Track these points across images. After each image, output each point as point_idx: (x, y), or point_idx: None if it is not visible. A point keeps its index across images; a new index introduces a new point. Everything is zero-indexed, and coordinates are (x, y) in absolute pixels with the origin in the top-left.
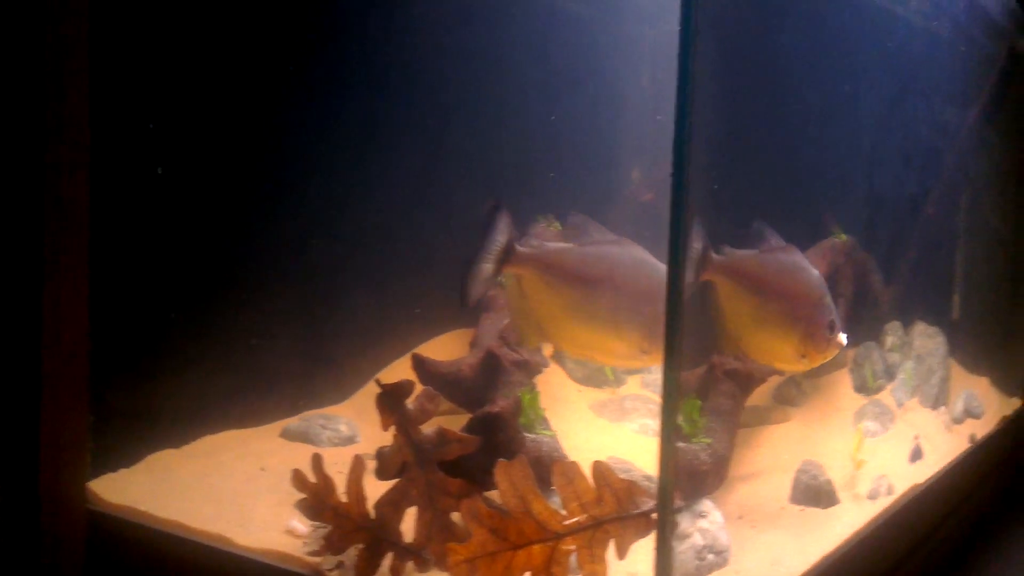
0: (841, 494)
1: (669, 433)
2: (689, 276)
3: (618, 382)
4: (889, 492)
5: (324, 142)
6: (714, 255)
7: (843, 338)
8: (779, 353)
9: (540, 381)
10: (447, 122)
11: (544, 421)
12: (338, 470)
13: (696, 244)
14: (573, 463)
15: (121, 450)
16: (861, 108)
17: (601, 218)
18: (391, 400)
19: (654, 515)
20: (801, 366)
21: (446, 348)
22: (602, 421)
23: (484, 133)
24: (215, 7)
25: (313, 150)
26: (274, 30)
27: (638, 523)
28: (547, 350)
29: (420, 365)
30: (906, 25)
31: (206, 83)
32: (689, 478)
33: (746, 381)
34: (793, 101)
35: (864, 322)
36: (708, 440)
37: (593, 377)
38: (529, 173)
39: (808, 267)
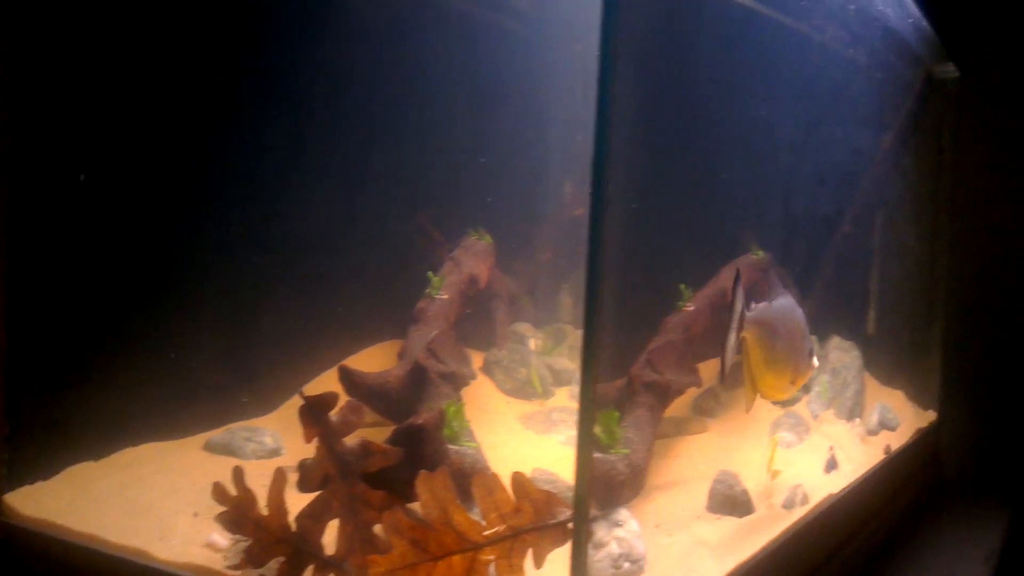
0: (757, 503)
1: (586, 444)
2: (732, 338)
3: (546, 394)
4: (804, 502)
5: (250, 153)
6: (747, 312)
7: (816, 361)
8: (781, 386)
9: (469, 393)
10: (374, 134)
11: (469, 433)
12: (262, 483)
13: (739, 303)
14: (493, 474)
15: (38, 462)
16: (778, 131)
17: (534, 232)
18: (314, 412)
19: (570, 524)
20: (791, 392)
21: (375, 360)
22: (529, 433)
23: (412, 146)
24: (140, 15)
25: (239, 160)
26: (200, 40)
27: (555, 533)
28: (477, 362)
29: (347, 377)
30: (823, 51)
31: (130, 91)
32: (606, 488)
33: (664, 393)
34: (711, 123)
35: None
36: (626, 451)
37: (521, 389)
38: (458, 186)
39: (796, 306)
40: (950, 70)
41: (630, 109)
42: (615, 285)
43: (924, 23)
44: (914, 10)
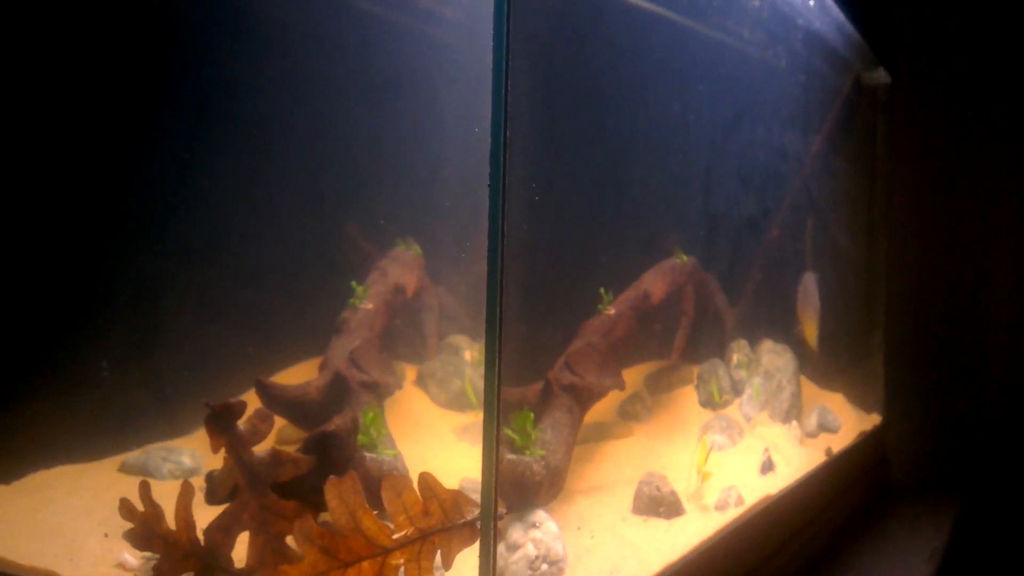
0: (687, 505)
1: (491, 442)
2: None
3: (481, 405)
4: (739, 503)
5: (167, 170)
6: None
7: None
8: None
9: (402, 406)
10: (298, 144)
11: (389, 440)
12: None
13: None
14: (401, 476)
15: None
16: (693, 130)
17: (468, 243)
18: (221, 421)
19: (478, 524)
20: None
21: (302, 377)
22: (463, 444)
23: (337, 155)
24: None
25: (156, 178)
26: (101, 45)
27: (463, 532)
28: (411, 375)
29: (264, 390)
30: (739, 54)
31: (28, 93)
32: (520, 489)
33: (583, 395)
34: (621, 121)
35: (707, 340)
36: (542, 452)
37: (456, 401)
38: (389, 196)
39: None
40: (882, 76)
41: (528, 104)
42: (522, 281)
43: (851, 29)
44: (840, 16)
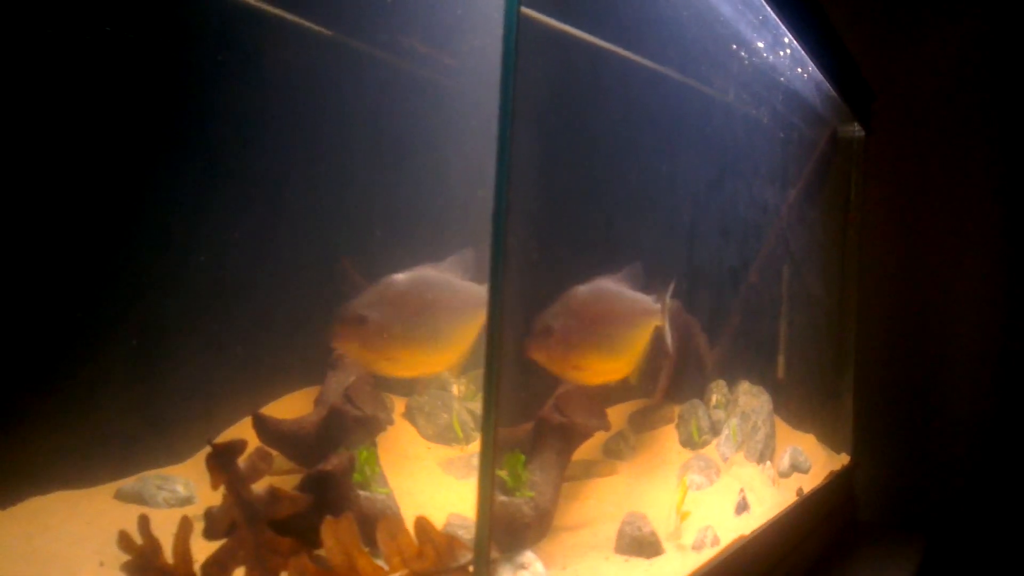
0: (666, 544)
1: (487, 486)
2: None
3: (467, 439)
4: (715, 543)
5: (163, 198)
6: None
7: None
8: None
9: (390, 439)
10: (287, 180)
11: (381, 478)
12: (173, 532)
13: None
14: (397, 518)
15: None
16: (680, 185)
17: None
18: (222, 459)
19: (471, 568)
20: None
21: (294, 407)
22: (449, 478)
23: (324, 193)
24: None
25: (153, 206)
26: (112, 90)
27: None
28: (399, 408)
29: (260, 424)
30: (725, 110)
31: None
32: (511, 531)
33: (571, 436)
34: (612, 175)
35: (689, 381)
36: (531, 493)
37: (442, 435)
38: (379, 230)
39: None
40: (856, 129)
41: (529, 160)
42: (519, 329)
43: (827, 86)
44: (817, 75)
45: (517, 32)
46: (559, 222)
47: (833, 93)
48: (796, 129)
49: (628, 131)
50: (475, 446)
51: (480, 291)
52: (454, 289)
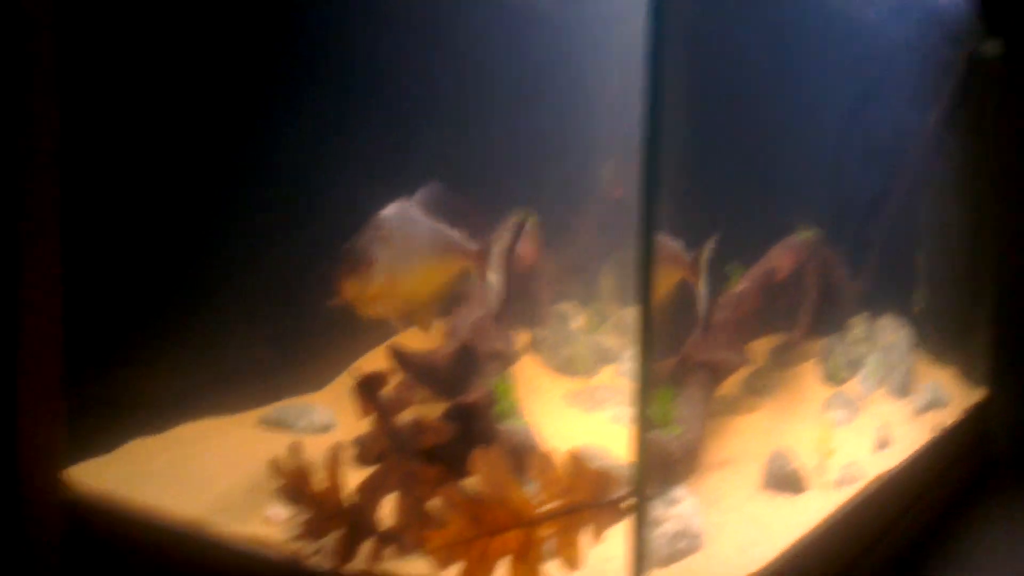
0: (810, 481)
1: (642, 422)
2: None
3: (591, 372)
4: (857, 480)
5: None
6: None
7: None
8: None
9: (518, 371)
10: (420, 120)
11: (517, 410)
12: (314, 458)
13: None
14: (548, 452)
15: (97, 438)
16: (825, 111)
17: (576, 213)
18: (368, 389)
19: (629, 502)
20: None
21: (419, 339)
22: (575, 410)
23: (455, 131)
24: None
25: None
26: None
27: (611, 511)
28: (525, 338)
29: (398, 355)
30: (869, 31)
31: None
32: (661, 466)
33: (716, 372)
34: (758, 104)
35: (829, 315)
36: (679, 429)
37: (565, 367)
38: (504, 166)
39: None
40: (994, 47)
41: (678, 91)
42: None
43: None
44: None
45: None
46: (707, 151)
47: (969, 6)
48: (935, 47)
49: (775, 55)
50: (599, 379)
51: (452, 234)
52: (434, 230)
